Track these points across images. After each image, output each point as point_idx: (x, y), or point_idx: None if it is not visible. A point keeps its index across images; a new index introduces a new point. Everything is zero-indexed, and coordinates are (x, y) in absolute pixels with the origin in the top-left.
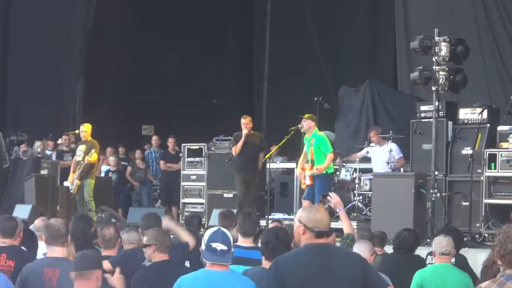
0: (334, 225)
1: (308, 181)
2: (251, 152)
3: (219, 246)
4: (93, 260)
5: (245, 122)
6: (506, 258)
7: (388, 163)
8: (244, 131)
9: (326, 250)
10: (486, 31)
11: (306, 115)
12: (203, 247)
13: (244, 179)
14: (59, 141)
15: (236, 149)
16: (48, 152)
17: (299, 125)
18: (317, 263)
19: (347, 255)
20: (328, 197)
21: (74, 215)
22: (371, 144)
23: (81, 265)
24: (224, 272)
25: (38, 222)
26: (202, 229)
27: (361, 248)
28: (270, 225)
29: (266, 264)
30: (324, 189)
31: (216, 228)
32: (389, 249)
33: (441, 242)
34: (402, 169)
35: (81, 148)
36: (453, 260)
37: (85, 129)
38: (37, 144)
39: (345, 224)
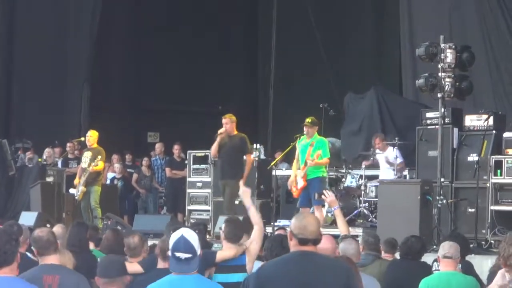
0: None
1: (301, 183)
2: (230, 154)
3: (182, 255)
4: (119, 267)
5: (224, 122)
6: (509, 261)
7: (393, 169)
8: (220, 130)
9: (309, 259)
10: (491, 37)
11: (311, 121)
12: (169, 253)
13: (222, 185)
14: (68, 148)
15: (212, 152)
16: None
17: (304, 133)
18: (299, 271)
19: (333, 265)
20: (323, 196)
21: (71, 223)
22: (377, 151)
23: (107, 272)
24: (190, 277)
25: (57, 230)
26: (208, 236)
27: (346, 246)
28: (276, 233)
29: None
30: (319, 190)
31: (179, 234)
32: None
33: (444, 246)
34: (408, 175)
35: (87, 155)
36: (459, 266)
37: (91, 136)
38: (46, 151)
39: (340, 223)
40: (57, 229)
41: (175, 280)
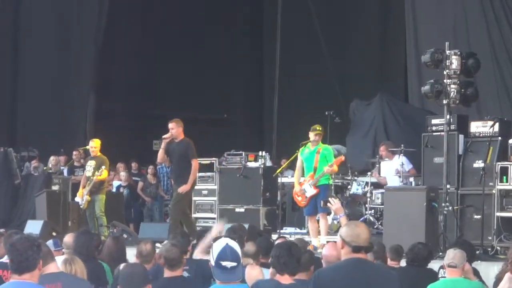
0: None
1: (312, 191)
2: (177, 160)
3: (229, 263)
4: (143, 277)
5: (170, 127)
6: None
7: (399, 176)
8: (165, 135)
9: (366, 265)
10: (497, 44)
11: (321, 129)
12: (212, 263)
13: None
14: (74, 156)
15: (158, 157)
16: (61, 168)
17: (310, 140)
18: (359, 275)
19: (388, 272)
20: (329, 204)
21: (76, 231)
22: (385, 159)
23: (131, 283)
24: (237, 286)
25: (69, 239)
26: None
27: None
28: (277, 241)
29: (279, 277)
30: (325, 197)
31: (224, 243)
32: (401, 262)
33: (449, 254)
34: (413, 180)
35: (91, 163)
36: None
37: (94, 145)
38: (52, 159)
39: None
40: (68, 238)
41: None
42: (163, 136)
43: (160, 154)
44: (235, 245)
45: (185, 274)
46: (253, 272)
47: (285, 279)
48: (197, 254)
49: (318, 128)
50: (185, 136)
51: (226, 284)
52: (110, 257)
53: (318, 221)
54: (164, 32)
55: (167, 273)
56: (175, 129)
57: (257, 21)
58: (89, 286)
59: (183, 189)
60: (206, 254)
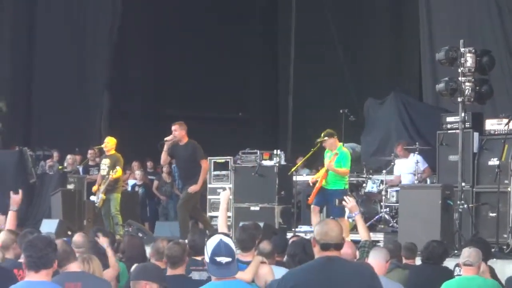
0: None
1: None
2: (185, 163)
3: (224, 259)
4: (149, 272)
5: (173, 129)
6: None
7: (414, 174)
8: (167, 138)
9: (334, 264)
10: (510, 41)
11: (326, 134)
12: (207, 259)
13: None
14: (89, 155)
15: (161, 160)
16: (77, 167)
17: (325, 137)
18: (324, 277)
19: (358, 270)
20: (344, 202)
21: (92, 230)
22: (401, 158)
23: (135, 275)
24: (233, 282)
25: (78, 239)
26: None
27: (375, 256)
28: (291, 240)
29: None
30: (340, 210)
31: (217, 239)
32: (417, 260)
33: (464, 253)
34: (428, 180)
35: (105, 162)
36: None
37: (109, 143)
38: (68, 158)
39: (361, 229)
40: (78, 238)
41: (219, 286)
42: (165, 139)
43: (163, 156)
44: (229, 241)
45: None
46: (263, 270)
47: None
48: (221, 229)
49: (325, 136)
50: (192, 136)
51: (222, 280)
52: (129, 256)
53: (334, 220)
54: (178, 32)
55: (169, 271)
56: (178, 132)
57: (271, 19)
58: (108, 286)
59: (193, 189)
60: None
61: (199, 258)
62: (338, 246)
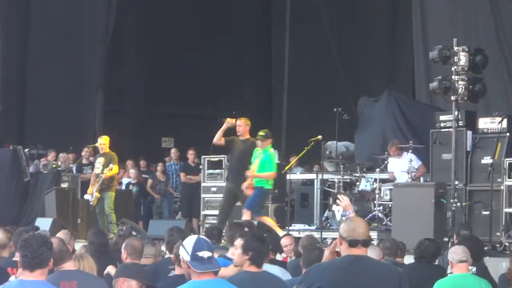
0: None
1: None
2: (242, 159)
3: (206, 253)
4: (127, 269)
5: (238, 124)
6: None
7: (408, 172)
8: (230, 120)
9: (362, 264)
10: (504, 40)
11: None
12: (187, 258)
13: (230, 189)
14: (83, 154)
15: (215, 138)
16: (70, 165)
17: (318, 136)
18: (351, 277)
19: (386, 270)
20: (338, 201)
21: (91, 229)
22: (395, 157)
23: (115, 274)
24: (215, 281)
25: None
26: (223, 241)
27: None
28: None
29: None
30: (252, 204)
31: (195, 237)
32: (409, 259)
33: (457, 251)
34: (422, 178)
35: (100, 160)
36: (474, 269)
37: (103, 142)
38: (60, 156)
39: None
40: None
41: (201, 285)
42: (228, 119)
43: (219, 134)
44: (206, 238)
45: None
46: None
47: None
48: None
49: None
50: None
51: (204, 279)
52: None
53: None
54: (173, 31)
55: (178, 270)
56: (242, 127)
57: (265, 18)
58: (103, 284)
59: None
60: None
61: None
62: (366, 242)
